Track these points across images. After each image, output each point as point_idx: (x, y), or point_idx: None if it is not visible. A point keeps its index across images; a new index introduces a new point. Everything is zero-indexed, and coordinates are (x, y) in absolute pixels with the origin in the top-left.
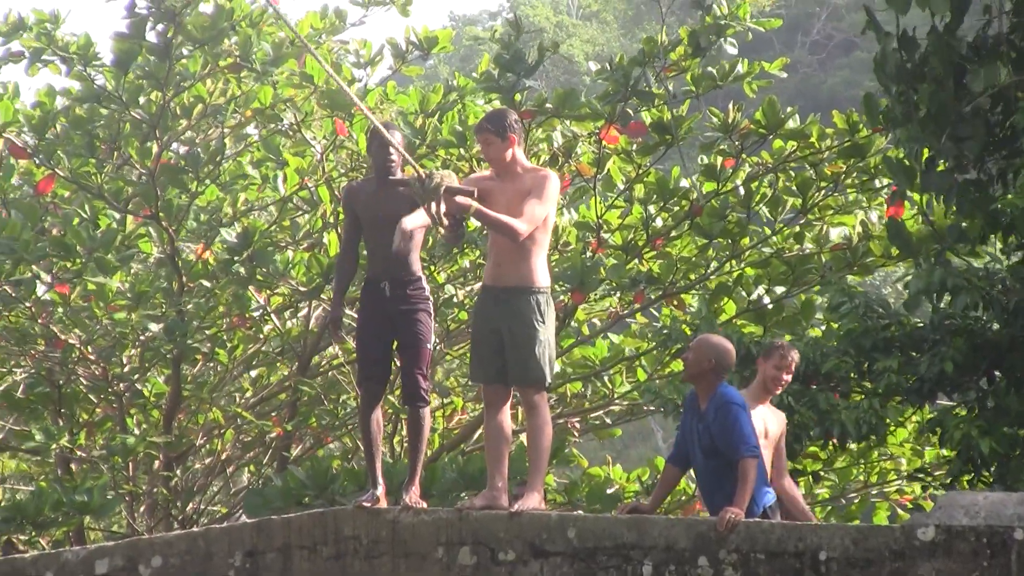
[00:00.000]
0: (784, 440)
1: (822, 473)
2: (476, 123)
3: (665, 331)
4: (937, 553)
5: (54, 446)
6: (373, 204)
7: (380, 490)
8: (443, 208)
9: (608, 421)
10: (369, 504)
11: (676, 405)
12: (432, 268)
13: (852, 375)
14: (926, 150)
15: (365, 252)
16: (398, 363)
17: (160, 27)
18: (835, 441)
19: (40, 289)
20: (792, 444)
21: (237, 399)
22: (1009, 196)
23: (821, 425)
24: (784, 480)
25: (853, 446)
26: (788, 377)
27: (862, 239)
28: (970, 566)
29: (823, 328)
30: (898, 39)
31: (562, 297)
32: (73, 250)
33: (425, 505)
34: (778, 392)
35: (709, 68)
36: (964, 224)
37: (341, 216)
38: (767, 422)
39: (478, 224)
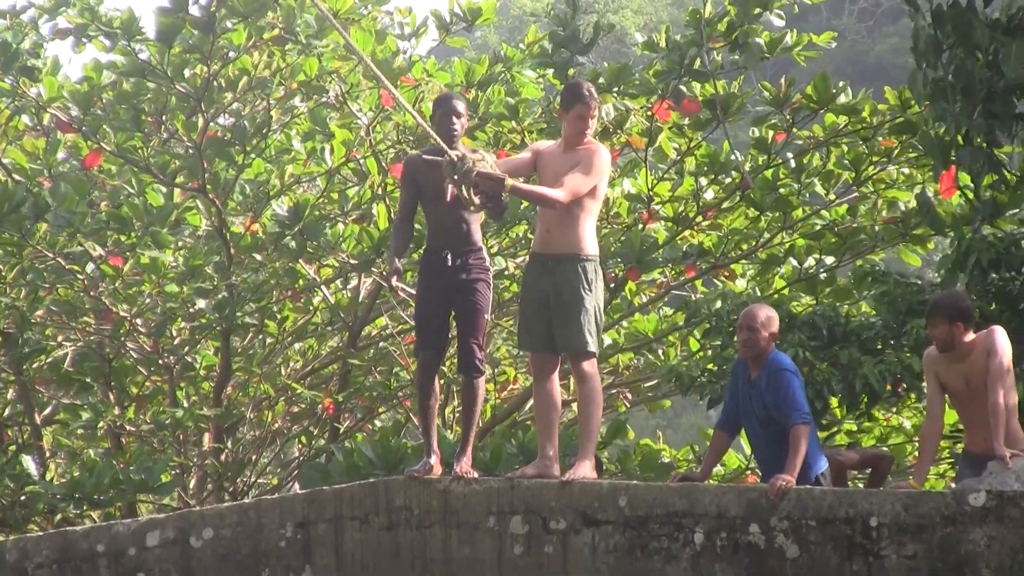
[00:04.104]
0: (997, 360)
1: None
2: (586, 91)
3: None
4: (988, 519)
5: (102, 424)
6: (435, 175)
7: (434, 460)
8: (473, 190)
9: (659, 392)
10: (420, 474)
11: (692, 379)
12: (484, 241)
13: (882, 335)
14: (964, 124)
15: (425, 222)
16: (454, 333)
17: (203, 1)
18: (865, 400)
19: (89, 265)
20: (813, 401)
21: (283, 371)
22: None
23: (844, 380)
24: (997, 397)
25: (908, 424)
26: (933, 330)
27: (914, 212)
28: (1021, 531)
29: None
30: (932, 14)
31: (614, 270)
32: (129, 224)
33: (476, 475)
34: (942, 348)
35: (757, 39)
36: (997, 198)
37: (390, 188)
38: (943, 372)
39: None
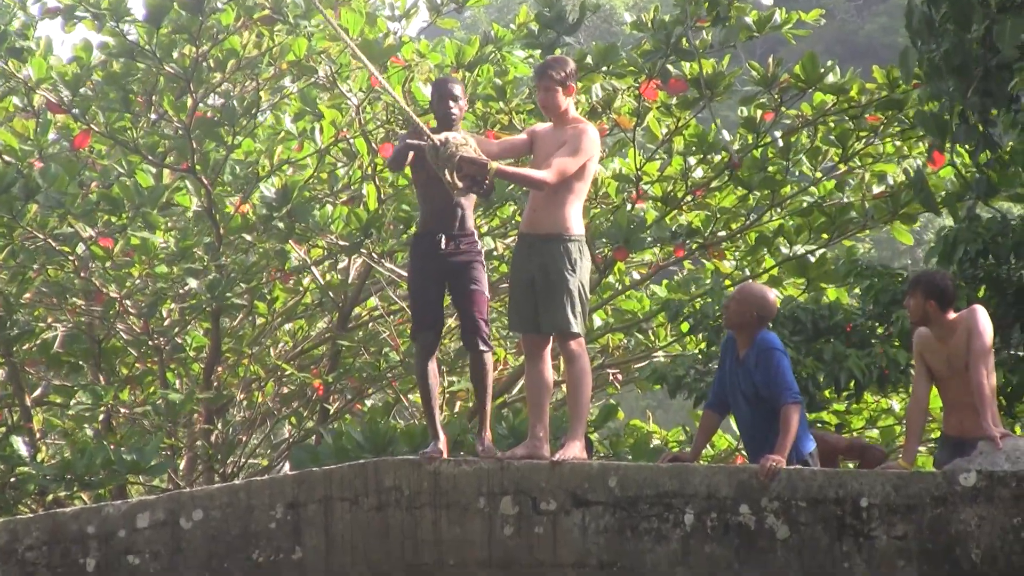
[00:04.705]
0: (979, 340)
1: (866, 434)
2: (538, 67)
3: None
4: (979, 499)
5: (101, 407)
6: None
7: (442, 441)
8: (456, 174)
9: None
10: (435, 456)
11: (678, 379)
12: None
13: (867, 326)
14: (958, 104)
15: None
16: (455, 313)
17: None
18: (852, 393)
19: (79, 246)
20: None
21: (272, 352)
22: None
23: (829, 374)
24: (981, 377)
25: (897, 406)
26: (909, 300)
27: (904, 187)
28: (1012, 511)
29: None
30: None
31: (602, 250)
32: (120, 204)
33: (499, 453)
34: (914, 320)
35: (746, 18)
36: (992, 175)
37: (379, 168)
38: (928, 353)
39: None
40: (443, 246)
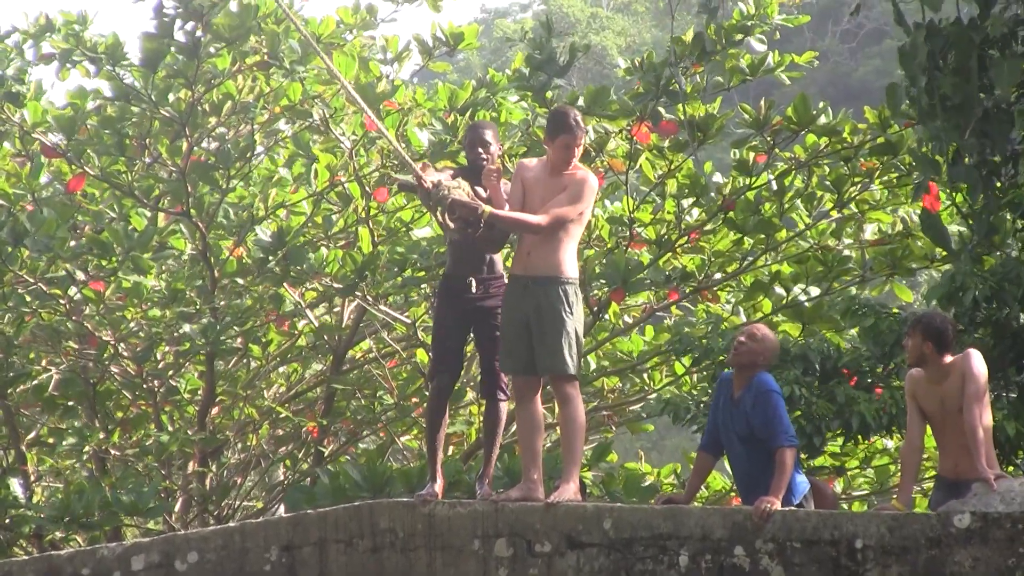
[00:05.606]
0: (974, 383)
1: (860, 470)
2: (569, 121)
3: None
4: (973, 540)
5: (87, 447)
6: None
7: (439, 485)
8: (449, 215)
9: (643, 415)
10: (430, 498)
11: (687, 410)
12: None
13: (871, 370)
14: (953, 144)
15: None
16: (478, 357)
17: (188, 26)
18: (859, 436)
19: (71, 289)
20: (811, 437)
21: (265, 395)
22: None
23: (840, 417)
24: (974, 420)
25: (891, 445)
26: (908, 341)
27: (900, 236)
28: (1006, 553)
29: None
30: (926, 30)
31: (596, 292)
32: (110, 248)
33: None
34: (910, 361)
35: (740, 64)
36: (992, 218)
37: (373, 211)
38: (922, 398)
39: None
40: (473, 289)
